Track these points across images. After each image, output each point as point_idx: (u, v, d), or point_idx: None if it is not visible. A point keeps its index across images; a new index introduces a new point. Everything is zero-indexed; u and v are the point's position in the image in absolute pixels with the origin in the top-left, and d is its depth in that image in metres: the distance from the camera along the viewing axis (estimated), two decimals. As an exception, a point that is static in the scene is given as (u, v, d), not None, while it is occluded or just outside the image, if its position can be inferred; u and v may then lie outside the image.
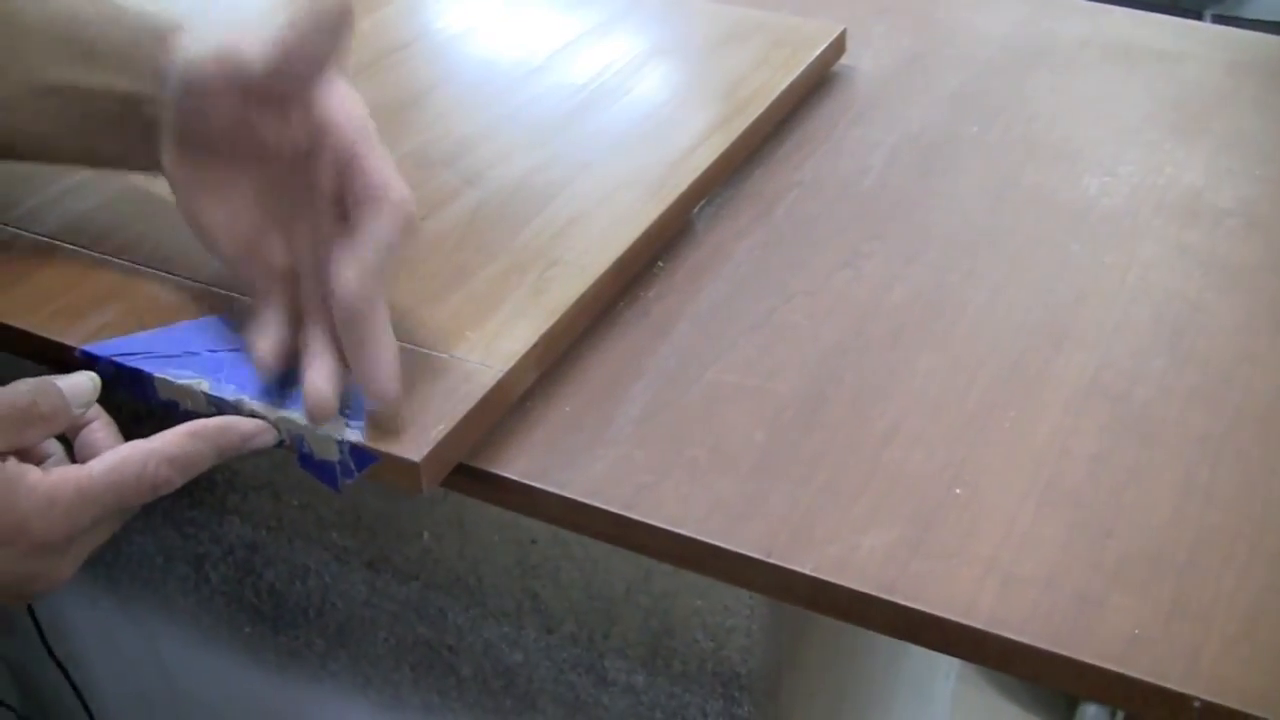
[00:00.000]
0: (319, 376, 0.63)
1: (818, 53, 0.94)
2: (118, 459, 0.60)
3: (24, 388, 0.60)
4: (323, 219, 0.65)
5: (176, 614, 0.95)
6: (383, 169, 0.63)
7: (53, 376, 0.61)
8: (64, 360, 0.69)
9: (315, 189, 0.65)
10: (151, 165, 0.70)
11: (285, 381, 0.66)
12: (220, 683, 0.98)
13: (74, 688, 1.08)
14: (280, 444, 0.65)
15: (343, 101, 0.65)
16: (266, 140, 0.66)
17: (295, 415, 0.64)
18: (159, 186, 0.72)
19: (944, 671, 1.40)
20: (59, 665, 1.07)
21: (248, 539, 0.86)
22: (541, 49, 0.96)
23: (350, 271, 0.62)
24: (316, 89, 0.64)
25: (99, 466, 0.59)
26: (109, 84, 0.69)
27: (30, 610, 1.04)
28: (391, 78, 0.93)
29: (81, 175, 0.80)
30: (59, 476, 0.58)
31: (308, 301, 0.67)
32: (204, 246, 0.69)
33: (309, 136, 0.65)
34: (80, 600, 1.01)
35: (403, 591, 0.81)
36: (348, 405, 0.64)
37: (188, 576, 0.92)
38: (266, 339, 0.66)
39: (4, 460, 0.58)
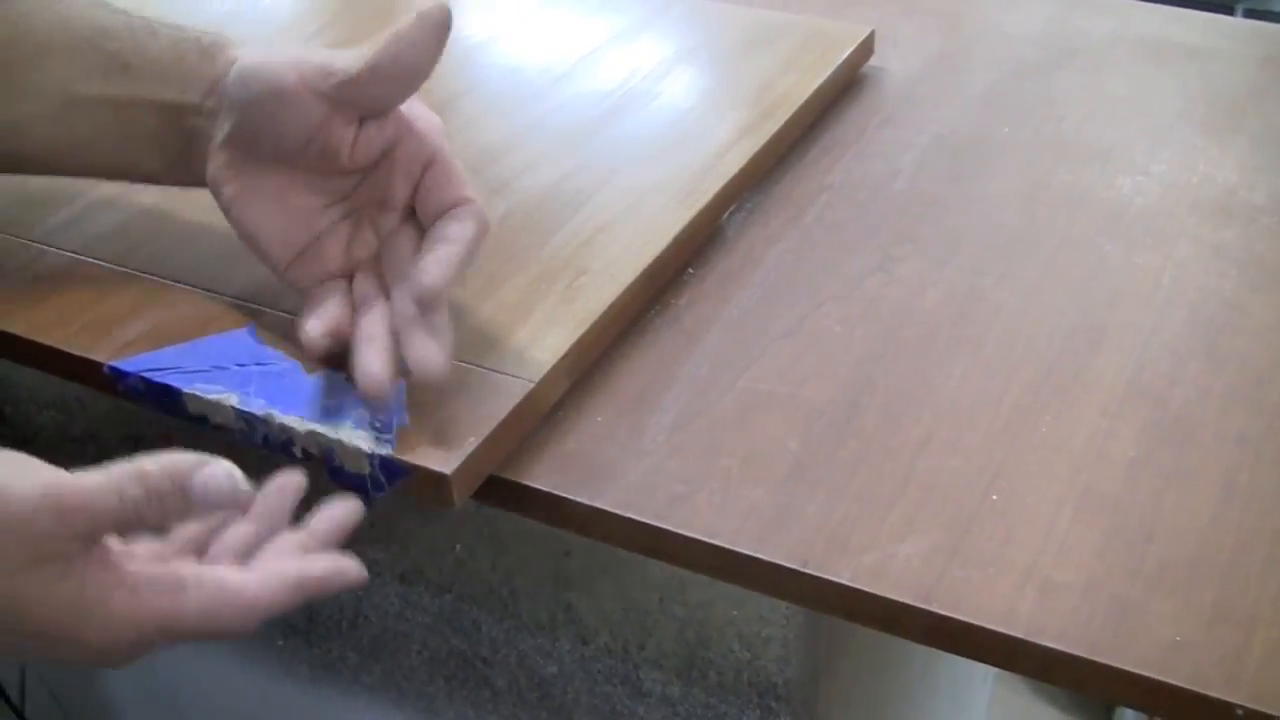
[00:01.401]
0: (374, 355, 0.64)
1: (846, 55, 0.94)
2: (213, 605, 0.54)
3: (133, 488, 0.51)
4: (389, 221, 0.69)
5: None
6: (464, 176, 0.67)
7: (194, 466, 0.53)
8: (92, 376, 0.69)
9: (387, 194, 0.68)
10: (188, 178, 0.71)
11: (315, 396, 0.66)
12: (254, 696, 0.98)
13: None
14: (310, 458, 0.65)
15: (420, 109, 0.68)
16: (340, 149, 0.66)
17: (325, 429, 0.64)
18: (183, 202, 0.72)
19: (981, 676, 1.39)
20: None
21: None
22: (567, 56, 0.96)
23: (437, 266, 0.64)
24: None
25: (193, 606, 0.53)
26: (150, 95, 0.69)
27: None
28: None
29: (106, 190, 0.80)
30: (141, 610, 0.52)
31: (363, 296, 0.68)
32: (254, 253, 0.69)
33: (385, 145, 0.67)
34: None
35: (436, 604, 0.81)
36: (379, 420, 0.64)
37: (221, 590, 0.92)
38: (319, 319, 0.67)
39: (87, 565, 0.51)
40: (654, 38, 0.98)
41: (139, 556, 0.56)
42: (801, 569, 0.59)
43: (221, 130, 0.68)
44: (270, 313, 0.71)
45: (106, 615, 0.52)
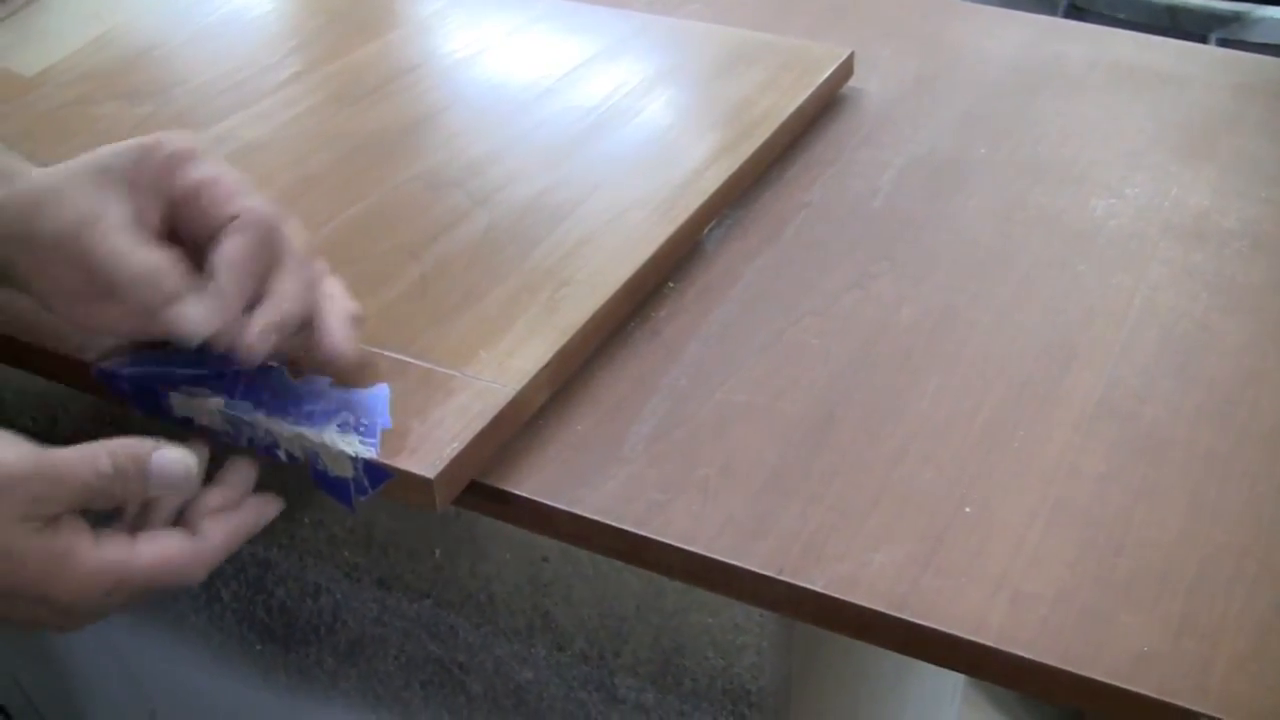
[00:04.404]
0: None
1: (826, 75, 0.95)
2: (164, 557, 0.60)
3: (105, 462, 0.58)
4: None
5: (187, 631, 0.96)
6: (232, 188, 0.64)
7: (151, 450, 0.60)
8: (79, 378, 0.69)
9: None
10: None
11: (298, 399, 0.67)
12: (231, 700, 0.98)
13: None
14: (294, 460, 0.65)
15: (167, 140, 0.65)
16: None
17: (310, 433, 0.64)
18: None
19: (949, 694, 1.40)
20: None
21: (259, 557, 0.86)
22: (550, 72, 0.97)
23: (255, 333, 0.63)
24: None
25: (145, 558, 0.59)
26: None
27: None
28: (400, 101, 0.94)
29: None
30: (102, 562, 0.58)
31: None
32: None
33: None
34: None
35: (414, 609, 0.82)
36: (363, 423, 0.65)
37: (199, 594, 0.92)
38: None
39: (58, 525, 0.57)
40: (636, 56, 0.99)
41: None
42: (777, 576, 0.60)
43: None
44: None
45: (74, 569, 0.57)
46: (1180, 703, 0.54)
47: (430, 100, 0.94)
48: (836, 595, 0.59)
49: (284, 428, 0.65)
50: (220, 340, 0.63)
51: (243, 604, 0.91)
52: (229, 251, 0.62)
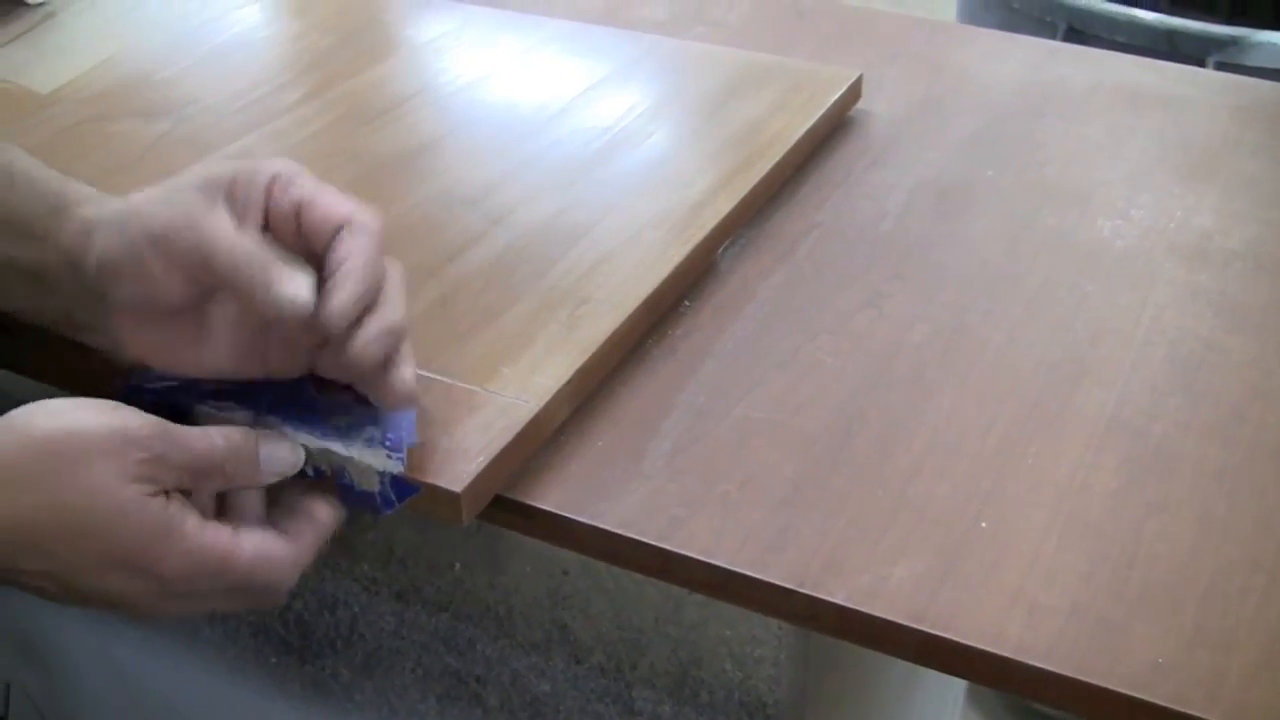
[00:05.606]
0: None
1: (835, 97, 0.96)
2: (264, 551, 0.61)
3: (220, 443, 0.61)
4: None
5: (202, 645, 0.97)
6: (336, 197, 0.65)
7: (257, 435, 0.63)
8: (103, 391, 0.70)
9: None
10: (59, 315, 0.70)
11: (325, 413, 0.68)
12: (245, 713, 0.99)
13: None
14: (320, 474, 0.66)
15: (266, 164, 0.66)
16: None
17: (337, 447, 0.65)
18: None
19: (950, 706, 1.41)
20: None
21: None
22: (562, 94, 0.98)
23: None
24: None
25: (247, 549, 0.61)
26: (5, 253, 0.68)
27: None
28: (414, 121, 0.95)
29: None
30: (209, 542, 0.59)
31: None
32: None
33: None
34: (101, 630, 1.03)
35: (432, 622, 0.83)
36: (390, 438, 0.66)
37: (215, 608, 0.93)
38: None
39: (169, 499, 0.59)
40: (648, 77, 1.01)
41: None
42: (799, 589, 0.62)
43: (101, 309, 0.66)
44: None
45: (181, 543, 0.58)
46: (1195, 712, 0.56)
47: (443, 121, 0.96)
48: (857, 608, 0.61)
49: (312, 442, 0.66)
50: (337, 343, 0.63)
51: (258, 617, 0.91)
52: (351, 248, 0.62)
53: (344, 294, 0.61)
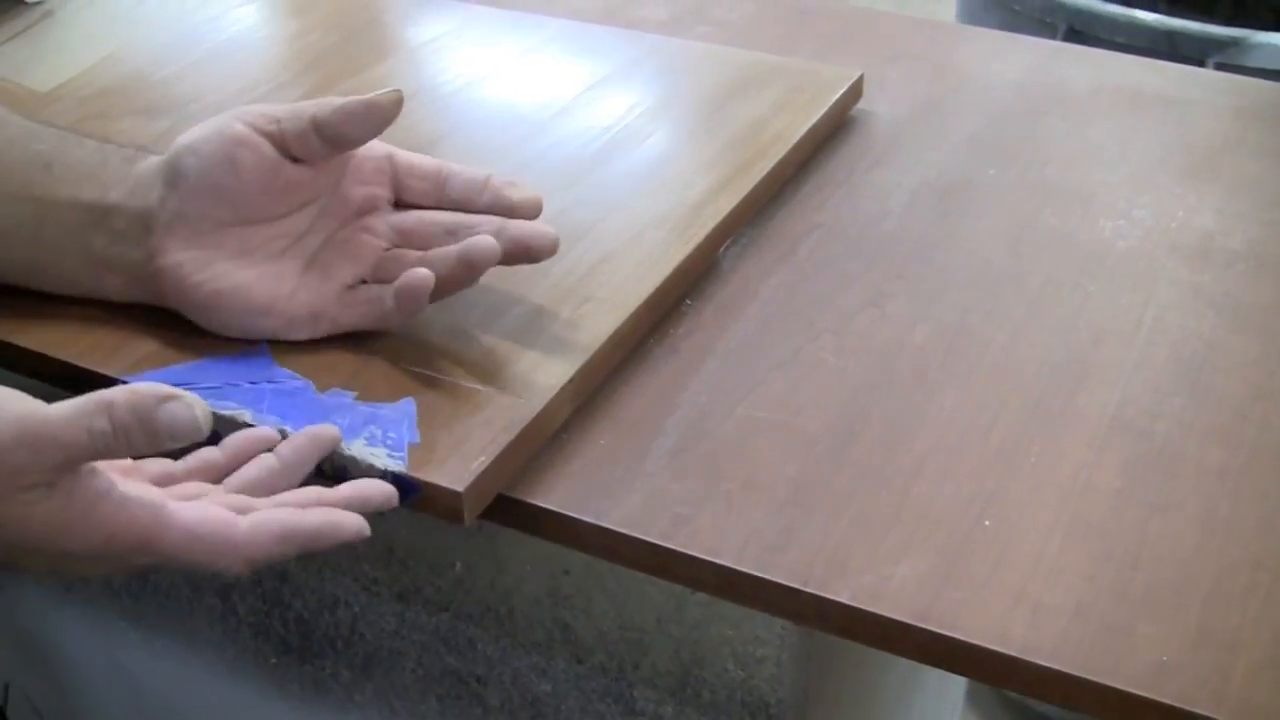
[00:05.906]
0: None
1: (836, 97, 0.96)
2: (195, 534, 0.58)
3: (101, 421, 0.54)
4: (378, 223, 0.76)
5: (201, 645, 0.96)
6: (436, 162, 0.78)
7: (160, 400, 0.55)
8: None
9: (361, 204, 0.76)
10: (102, 285, 0.74)
11: (325, 412, 0.68)
12: (246, 714, 0.99)
13: None
14: (322, 474, 0.66)
15: None
16: (302, 182, 0.72)
17: (339, 446, 0.65)
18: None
19: (950, 707, 1.41)
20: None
21: (277, 569, 0.87)
22: (562, 94, 0.98)
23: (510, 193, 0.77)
24: None
25: (175, 529, 0.57)
26: (69, 194, 0.72)
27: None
28: (415, 120, 0.95)
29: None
30: (130, 520, 0.57)
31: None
32: (234, 313, 0.72)
33: (342, 165, 0.74)
34: (101, 630, 1.02)
35: (432, 622, 0.82)
36: (390, 437, 0.66)
37: (215, 607, 0.93)
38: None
39: (71, 483, 0.55)
40: (649, 77, 1.01)
41: (144, 472, 0.63)
42: (803, 588, 0.61)
43: (165, 213, 0.71)
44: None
45: (88, 526, 0.56)
46: (1200, 710, 0.56)
47: (443, 121, 0.95)
48: (862, 607, 0.60)
49: (313, 441, 0.66)
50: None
51: (259, 617, 0.91)
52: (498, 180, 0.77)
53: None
